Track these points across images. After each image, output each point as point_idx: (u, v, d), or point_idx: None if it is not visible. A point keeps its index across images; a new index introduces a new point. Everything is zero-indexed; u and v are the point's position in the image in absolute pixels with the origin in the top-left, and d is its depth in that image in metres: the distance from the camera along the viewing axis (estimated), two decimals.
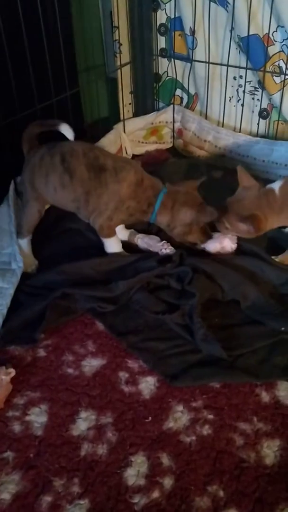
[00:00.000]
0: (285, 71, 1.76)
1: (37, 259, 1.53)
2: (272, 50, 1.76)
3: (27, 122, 1.49)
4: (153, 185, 1.45)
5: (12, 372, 1.20)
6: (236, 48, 1.84)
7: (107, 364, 1.25)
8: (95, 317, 1.36)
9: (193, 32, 1.89)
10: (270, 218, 1.40)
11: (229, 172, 1.55)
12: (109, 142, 1.94)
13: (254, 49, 1.78)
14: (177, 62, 2.03)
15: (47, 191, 1.44)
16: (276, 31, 1.73)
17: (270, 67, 1.79)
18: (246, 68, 1.84)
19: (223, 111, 1.98)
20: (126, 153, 2.06)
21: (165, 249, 1.50)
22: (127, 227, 1.58)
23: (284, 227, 1.52)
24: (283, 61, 1.76)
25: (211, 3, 1.79)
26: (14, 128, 1.58)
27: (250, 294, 1.37)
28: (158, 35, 2.01)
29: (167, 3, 1.93)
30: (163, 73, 2.09)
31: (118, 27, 1.90)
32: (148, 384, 1.20)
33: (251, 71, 1.85)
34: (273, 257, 1.47)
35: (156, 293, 1.39)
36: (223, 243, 1.50)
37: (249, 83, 1.88)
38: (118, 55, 1.95)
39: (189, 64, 1.99)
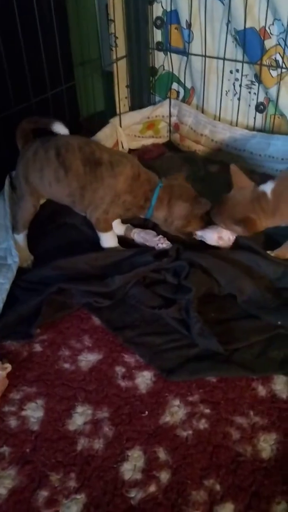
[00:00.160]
0: (282, 65, 1.75)
1: (32, 254, 1.52)
2: (268, 43, 1.75)
3: (22, 116, 1.48)
4: (149, 179, 1.44)
5: (8, 367, 1.19)
6: (233, 42, 1.83)
7: (104, 359, 1.25)
8: (91, 312, 1.36)
9: (189, 25, 1.88)
10: (264, 220, 1.42)
11: (225, 166, 1.54)
12: (105, 136, 1.93)
13: (250, 43, 1.77)
14: (173, 55, 2.02)
15: (42, 185, 1.43)
16: (273, 24, 1.72)
17: (267, 61, 1.78)
18: (242, 62, 1.83)
19: (220, 105, 1.97)
20: (122, 147, 2.05)
21: (162, 243, 1.50)
22: (123, 221, 1.57)
23: None
24: (280, 55, 1.75)
25: None
26: (9, 122, 1.57)
27: (246, 288, 1.37)
28: (154, 28, 1.99)
29: None
30: (159, 66, 2.08)
31: (113, 20, 1.88)
32: (144, 379, 1.20)
33: (247, 65, 1.84)
34: (268, 251, 1.47)
35: (153, 287, 1.39)
36: (221, 234, 1.50)
37: (246, 77, 1.87)
38: (114, 48, 1.94)
39: (185, 58, 1.98)
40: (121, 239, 1.54)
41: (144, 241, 1.53)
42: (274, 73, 1.79)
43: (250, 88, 1.89)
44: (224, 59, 1.86)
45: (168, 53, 2.02)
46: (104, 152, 1.42)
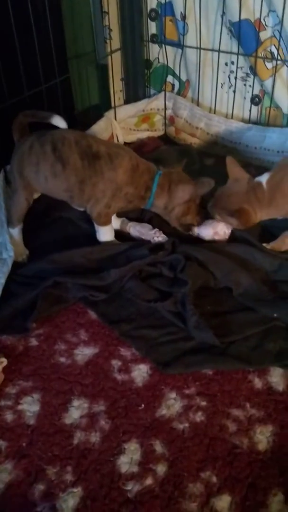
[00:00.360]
0: (277, 57, 1.74)
1: (27, 248, 1.52)
2: (263, 35, 1.74)
3: (16, 110, 1.47)
4: (148, 168, 1.44)
5: (4, 361, 1.19)
6: (228, 34, 1.82)
7: (100, 352, 1.25)
8: (87, 305, 1.36)
9: (184, 17, 1.87)
10: (259, 211, 1.41)
11: (221, 159, 1.54)
12: (100, 129, 1.92)
13: (245, 34, 1.76)
14: (168, 48, 2.00)
15: (38, 180, 1.42)
16: (268, 15, 1.71)
17: (262, 53, 1.77)
18: (237, 54, 1.82)
19: (215, 98, 1.96)
20: (118, 140, 2.04)
21: (157, 237, 1.49)
22: (119, 215, 1.57)
23: None
24: (275, 47, 1.74)
25: None
26: (2, 116, 1.56)
27: (242, 281, 1.37)
28: (149, 20, 1.98)
29: None
30: (154, 59, 2.07)
31: (108, 13, 1.87)
32: (140, 372, 1.20)
33: (242, 57, 1.83)
34: (264, 244, 1.47)
35: (148, 281, 1.39)
36: (216, 229, 1.50)
37: (241, 69, 1.87)
38: (108, 41, 1.92)
39: (180, 50, 1.97)
40: (117, 233, 1.53)
41: (140, 235, 1.53)
42: (269, 65, 1.78)
43: (246, 80, 1.88)
44: (219, 51, 1.85)
45: (163, 45, 2.00)
46: (101, 145, 1.41)
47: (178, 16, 1.89)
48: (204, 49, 1.89)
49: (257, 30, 1.73)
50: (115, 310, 1.34)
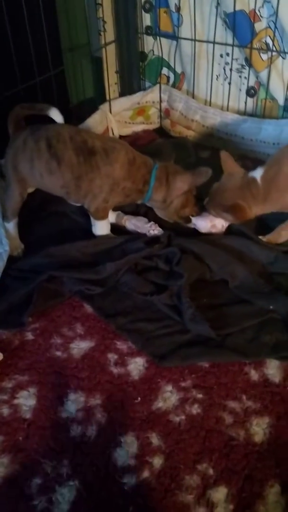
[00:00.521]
0: (272, 48, 1.73)
1: (23, 242, 1.51)
2: (258, 26, 1.73)
3: (10, 103, 1.45)
4: (145, 162, 1.44)
5: (0, 356, 1.19)
6: (222, 25, 1.81)
7: (96, 346, 1.25)
8: (83, 299, 1.35)
9: (178, 9, 1.86)
10: (254, 207, 1.40)
11: (216, 152, 1.53)
12: (95, 122, 1.91)
13: (240, 26, 1.75)
14: (163, 40, 1.99)
15: (32, 176, 1.41)
16: (263, 6, 1.69)
17: (257, 44, 1.76)
18: (232, 45, 1.81)
19: (210, 90, 1.95)
20: (113, 134, 2.03)
21: (153, 230, 1.49)
22: (115, 209, 1.56)
23: None
24: (270, 38, 1.73)
25: None
26: None
27: (238, 273, 1.36)
28: (143, 12, 1.96)
29: None
30: (149, 51, 2.05)
31: (101, 5, 1.86)
32: (137, 365, 1.20)
33: (237, 48, 1.81)
34: (260, 237, 1.47)
35: (144, 274, 1.38)
36: (213, 221, 1.49)
37: (236, 61, 1.85)
38: (102, 33, 1.91)
39: (175, 42, 1.96)
40: (113, 226, 1.53)
41: (136, 228, 1.52)
42: (264, 57, 1.77)
43: (241, 72, 1.87)
44: (214, 42, 1.84)
45: (158, 37, 1.99)
46: (96, 140, 1.40)
47: (173, 8, 1.87)
48: (199, 40, 1.88)
49: (252, 21, 1.72)
50: (111, 303, 1.33)
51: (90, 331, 1.28)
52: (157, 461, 1.02)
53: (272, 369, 1.18)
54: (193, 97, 2.00)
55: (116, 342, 1.25)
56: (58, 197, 1.47)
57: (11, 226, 1.49)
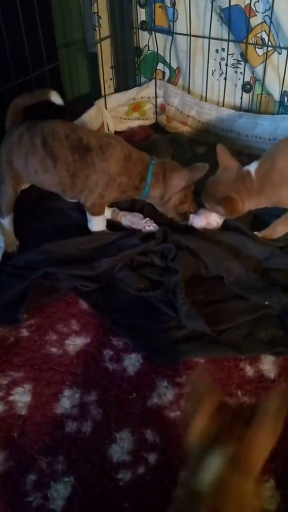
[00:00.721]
0: (268, 43, 1.73)
1: (18, 238, 1.51)
2: (254, 21, 1.72)
3: (4, 99, 1.45)
4: (142, 158, 1.43)
5: None
6: (218, 20, 1.80)
7: (91, 342, 1.25)
8: (78, 296, 1.35)
9: (173, 4, 1.85)
10: (247, 201, 1.39)
11: (212, 148, 1.52)
12: (90, 118, 1.90)
13: (235, 21, 1.74)
14: (158, 35, 1.98)
15: (27, 172, 1.40)
16: (258, 1, 1.68)
17: (253, 39, 1.75)
18: (228, 40, 1.80)
19: (206, 85, 1.94)
20: (108, 129, 2.02)
21: (149, 226, 1.49)
22: (110, 205, 1.55)
23: None
24: (265, 33, 1.72)
25: None
26: None
27: (234, 269, 1.36)
28: (138, 7, 1.95)
29: None
30: (144, 46, 2.04)
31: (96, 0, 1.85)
32: (132, 361, 1.20)
33: (233, 44, 1.81)
34: (255, 232, 1.46)
35: (140, 270, 1.38)
36: (209, 218, 1.49)
37: (232, 56, 1.85)
38: (97, 28, 1.90)
39: (170, 37, 1.95)
40: (108, 223, 1.52)
41: (131, 224, 1.52)
42: (260, 52, 1.77)
43: (236, 67, 1.87)
44: (209, 37, 1.83)
45: (153, 32, 1.98)
46: (91, 136, 1.40)
47: (168, 3, 1.86)
48: (195, 36, 1.87)
49: (248, 16, 1.71)
50: (106, 299, 1.33)
51: (85, 327, 1.28)
52: (152, 457, 1.02)
53: (267, 364, 1.18)
54: (189, 92, 2.00)
55: (111, 338, 1.25)
56: (53, 193, 1.47)
57: (6, 222, 1.48)
